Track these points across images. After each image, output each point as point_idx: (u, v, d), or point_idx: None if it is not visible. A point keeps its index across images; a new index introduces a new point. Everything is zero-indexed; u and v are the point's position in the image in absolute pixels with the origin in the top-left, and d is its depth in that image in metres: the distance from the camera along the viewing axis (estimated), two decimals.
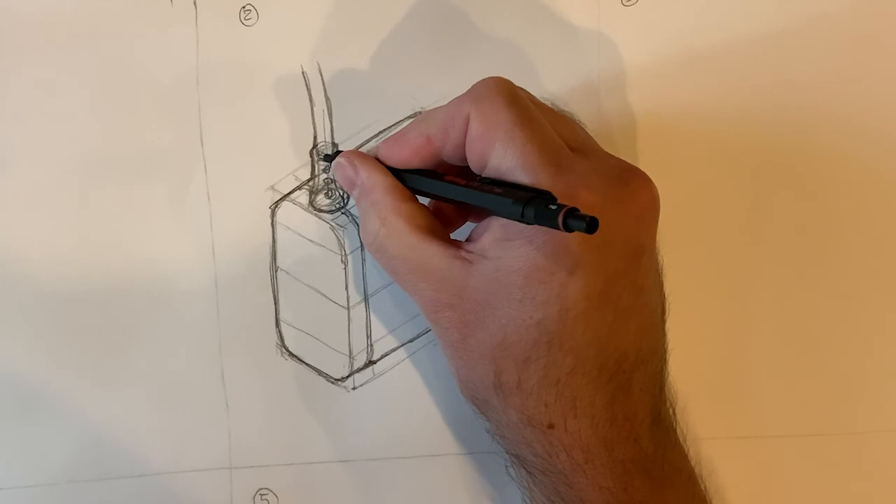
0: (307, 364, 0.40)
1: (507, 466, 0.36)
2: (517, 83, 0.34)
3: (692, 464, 0.35)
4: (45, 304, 0.40)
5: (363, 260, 0.40)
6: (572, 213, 0.28)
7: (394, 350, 0.40)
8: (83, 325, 0.40)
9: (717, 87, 0.40)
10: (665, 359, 0.35)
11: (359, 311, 0.40)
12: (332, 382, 0.40)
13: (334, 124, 0.40)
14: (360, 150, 0.39)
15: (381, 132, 0.40)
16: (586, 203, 0.31)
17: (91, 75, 0.40)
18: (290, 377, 0.40)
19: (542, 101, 0.35)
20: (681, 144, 0.40)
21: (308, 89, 0.40)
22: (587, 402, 0.32)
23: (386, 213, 0.34)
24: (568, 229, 0.28)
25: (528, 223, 0.30)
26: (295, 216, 0.40)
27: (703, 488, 0.35)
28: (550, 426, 0.32)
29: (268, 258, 0.40)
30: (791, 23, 0.40)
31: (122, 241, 0.40)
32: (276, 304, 0.40)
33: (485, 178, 0.33)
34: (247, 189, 0.40)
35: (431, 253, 0.33)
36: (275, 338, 0.40)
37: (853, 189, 0.40)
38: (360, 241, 0.40)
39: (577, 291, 0.31)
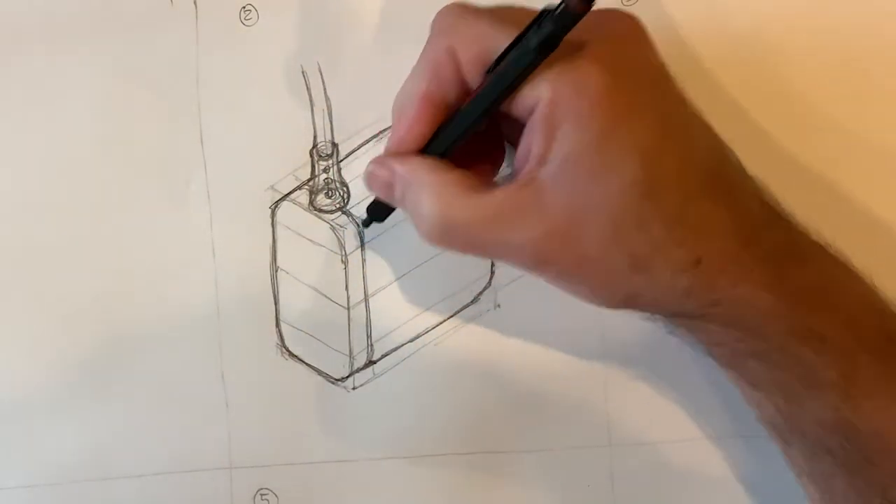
0: (307, 364, 0.40)
1: (668, 332, 0.35)
2: None
3: (817, 236, 0.35)
4: (45, 304, 0.40)
5: (363, 260, 0.40)
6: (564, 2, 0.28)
7: (394, 350, 0.40)
8: (83, 325, 0.40)
9: (717, 89, 0.40)
10: (734, 152, 0.34)
11: (359, 311, 0.40)
12: (332, 382, 0.40)
13: (334, 124, 0.40)
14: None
15: (381, 132, 0.40)
16: (596, 52, 0.31)
17: (91, 75, 0.40)
18: (290, 377, 0.40)
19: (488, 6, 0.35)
20: None
21: (308, 89, 0.40)
22: (712, 219, 0.32)
23: (439, 189, 0.33)
24: (586, 2, 0.28)
25: (554, 41, 0.29)
26: (295, 216, 0.40)
27: (839, 254, 0.35)
28: (698, 261, 0.32)
29: (268, 258, 0.40)
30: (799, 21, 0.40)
31: (122, 241, 0.40)
32: (276, 304, 0.40)
33: (489, 69, 0.32)
34: (247, 189, 0.40)
35: (499, 199, 0.32)
36: (275, 338, 0.40)
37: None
38: (360, 242, 0.40)
39: (642, 132, 0.31)
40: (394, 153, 0.34)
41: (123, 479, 0.40)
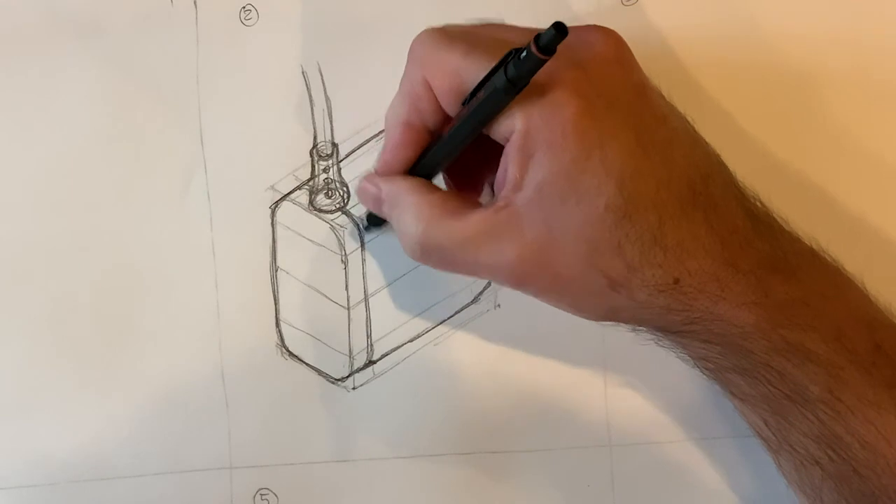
0: (307, 364, 0.40)
1: (655, 342, 0.35)
2: None
3: (808, 242, 0.35)
4: (46, 304, 0.40)
5: (363, 260, 0.40)
6: (537, 39, 0.28)
7: (394, 350, 0.40)
8: (84, 325, 0.40)
9: (717, 88, 0.40)
10: (722, 160, 0.34)
11: (359, 311, 0.40)
12: (332, 382, 0.40)
13: (334, 124, 0.40)
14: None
15: (381, 132, 0.40)
16: (568, 78, 0.31)
17: (91, 75, 0.40)
18: (290, 377, 0.40)
19: (467, 23, 0.36)
20: None
21: (308, 89, 0.40)
22: (690, 238, 0.32)
23: (419, 210, 0.34)
24: (547, 51, 0.28)
25: (520, 83, 0.30)
26: (295, 216, 0.40)
27: (831, 260, 0.35)
28: (676, 281, 0.32)
29: (268, 258, 0.40)
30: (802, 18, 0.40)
31: (122, 241, 0.40)
32: (276, 304, 0.40)
33: (465, 101, 0.33)
34: (247, 189, 0.40)
35: (476, 222, 0.33)
36: (275, 338, 0.40)
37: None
38: (360, 242, 0.40)
39: (617, 156, 0.31)
40: (381, 174, 0.36)
41: (123, 479, 0.40)
